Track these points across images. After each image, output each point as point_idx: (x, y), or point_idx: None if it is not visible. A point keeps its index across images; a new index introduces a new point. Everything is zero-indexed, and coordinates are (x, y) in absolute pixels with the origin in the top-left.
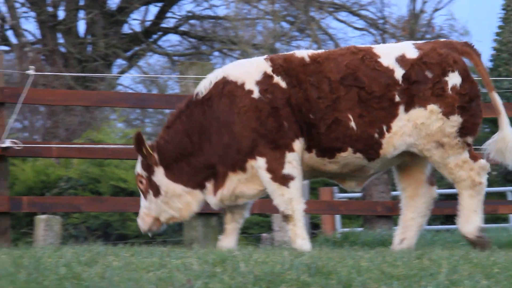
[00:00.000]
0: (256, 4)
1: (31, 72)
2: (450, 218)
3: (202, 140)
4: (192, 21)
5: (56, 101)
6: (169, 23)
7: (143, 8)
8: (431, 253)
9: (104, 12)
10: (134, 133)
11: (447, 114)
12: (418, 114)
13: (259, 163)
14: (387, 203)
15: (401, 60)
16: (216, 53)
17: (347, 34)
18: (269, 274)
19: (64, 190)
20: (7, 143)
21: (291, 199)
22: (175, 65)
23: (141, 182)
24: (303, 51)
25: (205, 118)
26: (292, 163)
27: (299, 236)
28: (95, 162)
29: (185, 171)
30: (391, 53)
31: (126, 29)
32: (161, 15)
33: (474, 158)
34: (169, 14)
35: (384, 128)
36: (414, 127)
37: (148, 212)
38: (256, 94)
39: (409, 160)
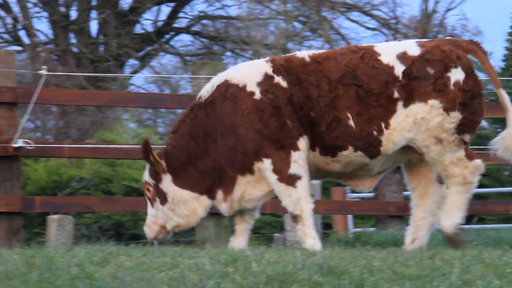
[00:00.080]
0: (268, 4)
1: (43, 72)
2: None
3: (208, 143)
4: (204, 21)
5: (68, 101)
6: (181, 23)
7: (155, 8)
8: (444, 253)
9: (117, 12)
10: (142, 141)
11: (447, 109)
12: (418, 109)
13: (265, 165)
14: (399, 203)
15: (402, 57)
16: (228, 53)
17: (359, 34)
18: (281, 274)
19: (76, 190)
20: (20, 143)
21: (299, 199)
22: (187, 65)
23: (148, 190)
24: (304, 52)
25: (208, 121)
26: (298, 162)
27: (308, 235)
28: (107, 162)
29: (192, 176)
30: (392, 51)
31: (138, 29)
32: (173, 15)
33: (470, 157)
34: (181, 14)
35: (383, 125)
36: (414, 122)
37: (155, 220)
38: (257, 95)
39: (417, 159)
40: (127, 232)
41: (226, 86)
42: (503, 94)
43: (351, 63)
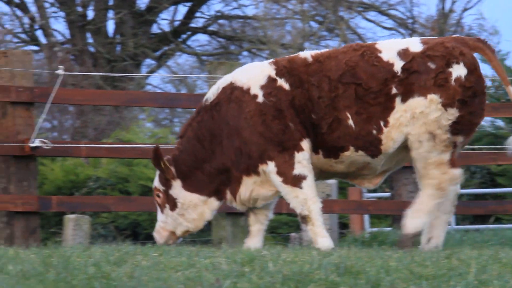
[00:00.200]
0: (285, 4)
1: (60, 72)
2: (479, 218)
3: (214, 145)
4: (221, 21)
5: (85, 101)
6: (198, 23)
7: (172, 8)
8: (460, 253)
9: (133, 12)
10: (152, 149)
11: (446, 105)
12: (417, 103)
13: (269, 168)
14: None
15: (403, 53)
16: (245, 53)
17: (376, 33)
18: (297, 273)
19: (93, 189)
20: (37, 143)
21: (306, 199)
22: (204, 64)
23: (158, 196)
24: (307, 52)
25: (214, 123)
26: (302, 162)
27: (319, 235)
28: (124, 161)
29: (200, 179)
30: (393, 48)
31: (155, 28)
32: (190, 15)
33: (452, 164)
34: (198, 14)
35: (382, 123)
36: (412, 116)
37: (164, 225)
38: (260, 99)
39: None
40: (144, 231)
41: (231, 88)
42: None
43: (351, 61)
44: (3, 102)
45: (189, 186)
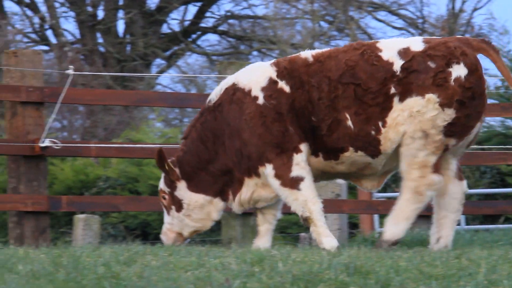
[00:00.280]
0: (295, 4)
1: (70, 71)
2: (489, 218)
3: (217, 146)
4: (231, 21)
5: (95, 101)
6: (208, 22)
7: (182, 8)
8: (470, 253)
9: (143, 12)
10: (156, 151)
11: (443, 105)
12: (415, 102)
13: (267, 171)
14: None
15: (404, 52)
16: (255, 53)
17: (386, 33)
18: (307, 273)
19: (103, 189)
20: (47, 143)
21: (306, 201)
22: (214, 64)
23: (164, 198)
24: (308, 52)
25: (217, 124)
26: (300, 164)
27: (323, 235)
28: (134, 161)
29: (204, 179)
30: (394, 47)
31: (165, 28)
32: (200, 15)
33: (435, 169)
34: (208, 14)
35: (380, 123)
36: (409, 115)
37: (171, 227)
38: (261, 101)
39: None
40: (154, 231)
41: (233, 89)
42: None
43: (351, 60)
44: (13, 102)
45: (194, 187)
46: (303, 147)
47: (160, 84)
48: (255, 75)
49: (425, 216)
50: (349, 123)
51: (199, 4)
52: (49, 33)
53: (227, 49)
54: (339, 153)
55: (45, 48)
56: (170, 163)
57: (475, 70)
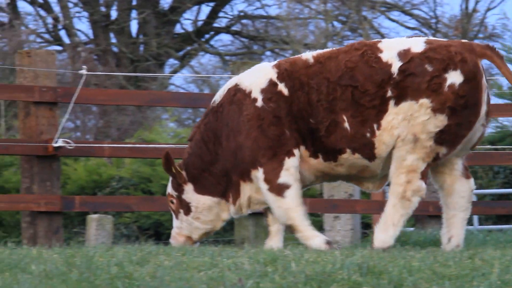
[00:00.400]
0: (308, 4)
1: (83, 72)
2: (502, 218)
3: (216, 147)
4: (244, 21)
5: (108, 101)
6: (221, 22)
7: (195, 8)
8: (483, 253)
9: (157, 12)
10: (163, 154)
11: (435, 110)
12: (409, 106)
13: (259, 174)
14: (438, 202)
15: (404, 53)
16: (268, 53)
17: (399, 33)
18: (320, 273)
19: (116, 189)
20: (60, 143)
21: (287, 209)
22: (227, 64)
23: (172, 202)
24: (309, 53)
25: (218, 124)
26: (290, 170)
27: (309, 238)
28: (147, 161)
29: (209, 181)
30: (395, 47)
31: (178, 28)
32: (213, 15)
33: (423, 176)
34: (221, 14)
35: (375, 126)
36: (403, 119)
37: (180, 231)
38: (259, 103)
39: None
40: (166, 231)
41: (235, 90)
42: None
43: (350, 62)
44: (26, 102)
45: (200, 189)
46: (297, 151)
47: (173, 84)
48: (257, 77)
49: (437, 216)
50: (346, 125)
51: (212, 4)
52: (63, 33)
53: (240, 49)
54: (338, 154)
55: (59, 48)
56: (177, 166)
57: (472, 78)
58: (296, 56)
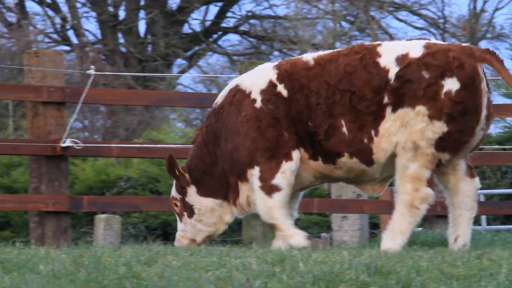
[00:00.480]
0: (316, 4)
1: (91, 72)
2: (510, 218)
3: (215, 148)
4: (252, 21)
5: (116, 101)
6: (229, 23)
7: (203, 8)
8: (491, 253)
9: (165, 12)
10: (166, 157)
11: (432, 117)
12: (405, 113)
13: (254, 171)
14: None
15: (401, 58)
16: (276, 53)
17: (408, 33)
18: (328, 273)
19: (124, 189)
20: (68, 143)
21: (271, 208)
22: (235, 64)
23: (176, 205)
24: (310, 54)
25: (218, 125)
26: (285, 173)
27: (290, 237)
28: (155, 161)
29: (211, 183)
30: (394, 51)
31: (186, 28)
32: (221, 15)
33: (429, 183)
34: (229, 14)
35: (373, 132)
36: (400, 125)
37: (184, 234)
38: (258, 104)
39: None
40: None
41: (235, 91)
42: None
43: (349, 66)
44: (34, 102)
45: (202, 191)
46: (295, 154)
47: (181, 84)
48: (257, 77)
49: (445, 216)
50: (344, 129)
51: (220, 4)
52: (71, 33)
53: (248, 49)
54: (336, 157)
55: (67, 48)
56: (180, 168)
57: (469, 84)
58: (296, 57)
